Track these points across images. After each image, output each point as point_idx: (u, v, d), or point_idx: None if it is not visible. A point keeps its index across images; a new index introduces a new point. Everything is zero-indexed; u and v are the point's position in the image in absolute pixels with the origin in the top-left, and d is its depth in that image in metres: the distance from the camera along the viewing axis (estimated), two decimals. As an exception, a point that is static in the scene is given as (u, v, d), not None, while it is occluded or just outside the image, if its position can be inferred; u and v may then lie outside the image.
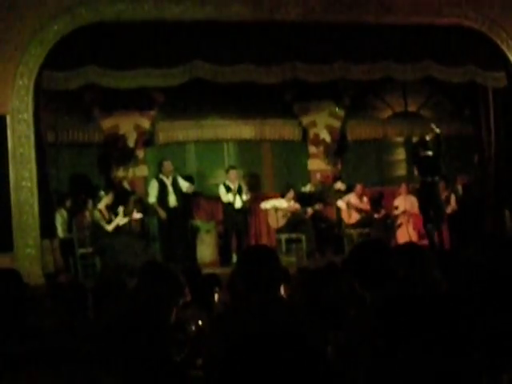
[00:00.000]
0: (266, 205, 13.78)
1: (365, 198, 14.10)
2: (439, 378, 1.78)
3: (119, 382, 2.86)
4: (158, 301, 4.15)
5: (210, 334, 3.82)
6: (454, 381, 1.79)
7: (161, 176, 12.99)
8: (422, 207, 13.11)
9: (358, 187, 14.00)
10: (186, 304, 5.47)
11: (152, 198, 12.90)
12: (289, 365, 1.73)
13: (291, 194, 13.80)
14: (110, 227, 11.89)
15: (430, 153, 12.64)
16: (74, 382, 2.80)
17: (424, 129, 14.21)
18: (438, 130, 12.70)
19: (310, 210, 13.74)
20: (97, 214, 11.94)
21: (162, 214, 12.80)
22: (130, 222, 12.55)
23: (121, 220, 12.17)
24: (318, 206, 13.88)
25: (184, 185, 13.16)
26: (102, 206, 12.06)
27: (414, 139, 13.72)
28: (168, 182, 12.95)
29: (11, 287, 3.92)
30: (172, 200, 12.92)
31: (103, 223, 11.87)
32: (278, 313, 3.62)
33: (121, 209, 12.22)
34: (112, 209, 12.24)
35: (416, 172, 13.35)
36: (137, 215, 12.43)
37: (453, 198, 13.80)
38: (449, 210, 13.47)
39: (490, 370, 2.44)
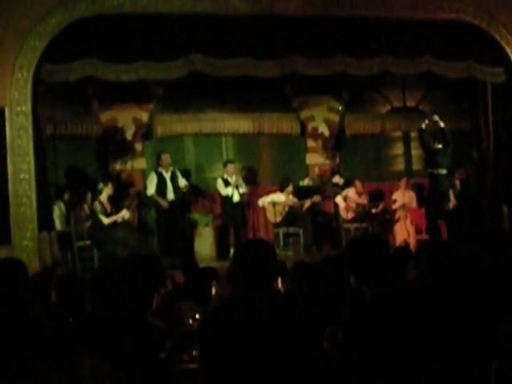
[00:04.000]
0: (265, 201, 13.78)
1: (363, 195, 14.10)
2: (432, 371, 1.79)
3: (111, 369, 2.87)
4: (139, 289, 4.16)
5: (204, 326, 3.82)
6: (448, 375, 1.80)
7: (160, 169, 13.00)
8: (429, 200, 13.21)
9: (358, 185, 13.98)
10: (184, 297, 5.49)
11: (151, 190, 12.89)
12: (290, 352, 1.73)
13: (290, 188, 13.81)
14: (106, 220, 11.87)
15: (440, 146, 12.84)
16: (69, 373, 2.82)
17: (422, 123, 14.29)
18: (442, 124, 12.86)
19: (307, 202, 13.74)
20: (97, 206, 11.93)
21: (164, 203, 12.77)
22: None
23: (120, 216, 12.13)
24: (315, 198, 13.87)
25: (181, 181, 13.20)
26: (103, 197, 12.05)
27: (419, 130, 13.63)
28: (167, 175, 12.96)
29: (16, 278, 3.92)
30: (170, 193, 12.94)
31: (101, 215, 11.86)
32: (274, 306, 3.62)
33: (124, 211, 12.18)
34: (113, 200, 12.24)
35: (418, 164, 13.46)
36: (122, 213, 12.28)
37: (451, 194, 13.83)
38: (450, 205, 13.54)
39: (480, 362, 2.45)
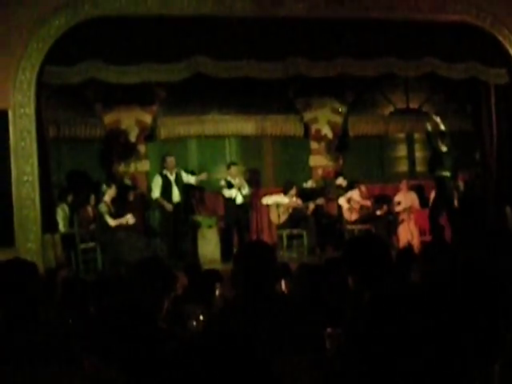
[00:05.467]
0: (268, 200, 13.80)
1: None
2: (430, 376, 1.78)
3: (116, 374, 2.88)
4: (149, 293, 4.16)
5: (208, 329, 3.83)
6: (449, 376, 1.79)
7: (164, 172, 13.03)
8: (437, 202, 13.24)
9: (363, 189, 13.97)
10: (187, 299, 5.49)
11: (156, 193, 12.94)
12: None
13: (294, 190, 13.80)
14: (112, 222, 11.92)
15: (445, 148, 12.92)
16: (70, 374, 2.82)
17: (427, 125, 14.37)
18: (442, 127, 12.93)
19: (311, 205, 13.74)
20: (103, 207, 11.97)
21: (168, 206, 12.84)
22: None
23: (126, 220, 12.17)
24: (319, 201, 13.88)
25: (191, 178, 13.27)
26: (107, 199, 12.10)
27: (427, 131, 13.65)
28: (172, 177, 13.00)
29: (24, 279, 3.92)
30: (176, 195, 12.98)
31: (107, 216, 11.91)
32: (276, 309, 3.62)
33: (130, 217, 12.21)
34: (115, 202, 12.28)
35: (421, 166, 13.49)
36: (127, 218, 12.32)
37: (454, 195, 13.87)
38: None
39: (480, 364, 2.45)
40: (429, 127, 13.19)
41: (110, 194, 12.19)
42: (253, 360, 1.63)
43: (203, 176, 13.49)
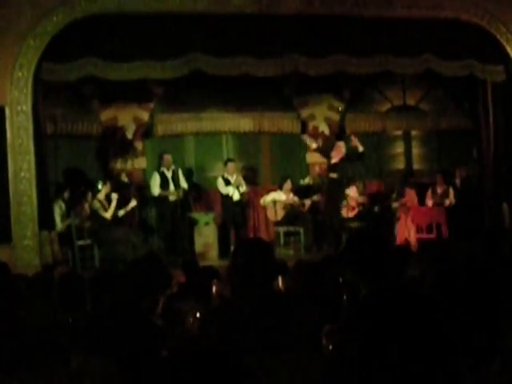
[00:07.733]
0: (266, 200, 13.78)
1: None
2: (420, 378, 1.78)
3: (110, 371, 2.87)
4: (145, 291, 4.16)
5: (206, 326, 3.83)
6: (445, 375, 1.79)
7: (162, 169, 13.05)
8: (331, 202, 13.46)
9: (360, 186, 14.00)
10: (184, 296, 5.48)
11: (156, 190, 12.98)
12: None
13: (288, 184, 13.81)
14: (108, 215, 11.95)
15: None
16: (57, 372, 2.81)
17: (422, 122, 14.40)
18: (361, 148, 13.27)
19: (308, 202, 13.75)
20: (96, 204, 12.00)
21: (172, 196, 13.03)
22: (128, 214, 12.61)
23: (119, 210, 12.24)
24: (316, 197, 13.89)
25: (183, 184, 13.34)
26: (101, 195, 12.12)
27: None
28: (168, 174, 13.03)
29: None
30: (172, 192, 13.00)
31: (102, 212, 11.93)
32: (274, 306, 3.62)
33: (115, 196, 12.27)
34: (111, 199, 12.32)
35: (418, 163, 13.61)
36: (132, 204, 12.48)
37: (451, 192, 13.88)
38: (447, 203, 13.64)
39: (472, 367, 2.45)
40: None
41: (104, 190, 12.25)
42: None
43: (185, 187, 13.61)
